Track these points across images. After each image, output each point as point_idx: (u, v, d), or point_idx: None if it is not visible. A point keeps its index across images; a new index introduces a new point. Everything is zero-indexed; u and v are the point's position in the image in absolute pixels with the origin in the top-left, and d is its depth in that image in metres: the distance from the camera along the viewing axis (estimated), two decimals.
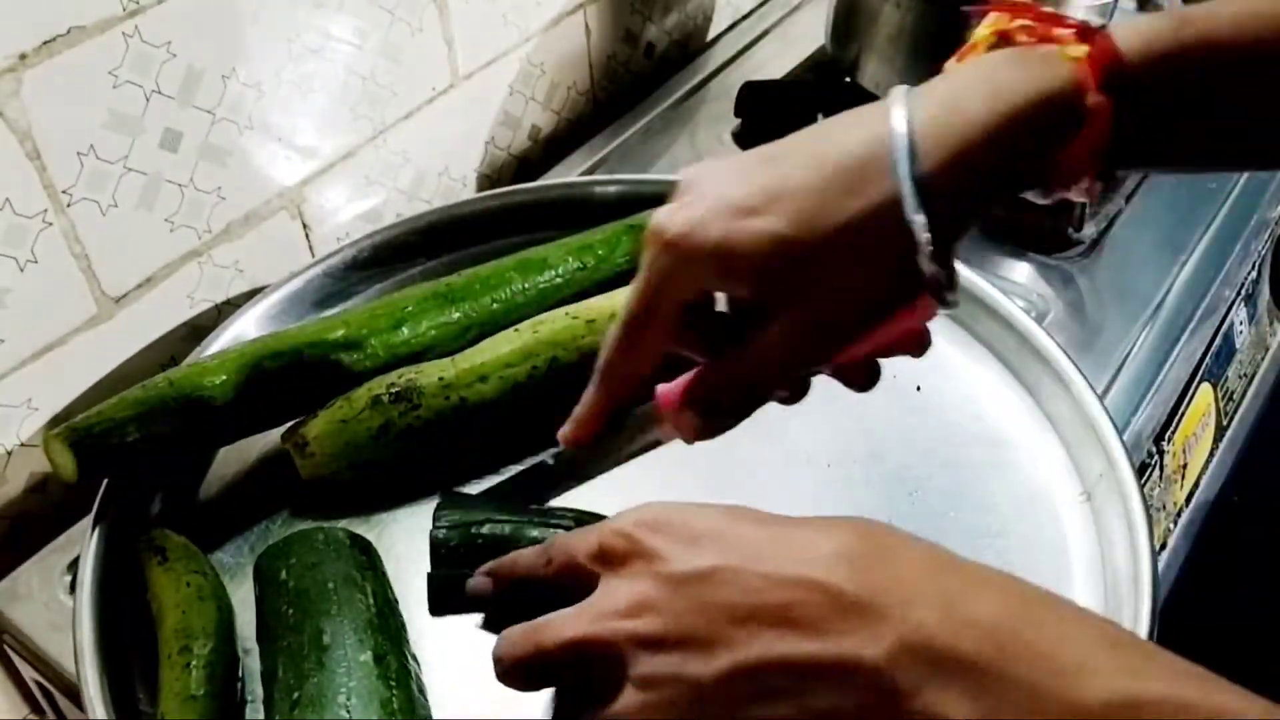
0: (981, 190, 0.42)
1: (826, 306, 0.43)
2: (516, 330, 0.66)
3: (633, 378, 0.47)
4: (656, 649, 0.36)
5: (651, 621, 0.36)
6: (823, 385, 0.48)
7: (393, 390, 0.61)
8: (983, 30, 0.45)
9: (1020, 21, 0.43)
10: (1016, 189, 0.43)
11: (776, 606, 0.35)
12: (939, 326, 0.71)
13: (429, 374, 0.62)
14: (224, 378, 0.60)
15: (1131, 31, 0.41)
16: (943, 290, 0.41)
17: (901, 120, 0.40)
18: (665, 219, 0.43)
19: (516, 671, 0.40)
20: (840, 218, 0.41)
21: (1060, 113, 0.41)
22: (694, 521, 0.39)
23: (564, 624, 0.39)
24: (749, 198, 0.42)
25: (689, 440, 0.48)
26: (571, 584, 0.40)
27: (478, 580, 0.45)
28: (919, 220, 0.40)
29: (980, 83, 0.41)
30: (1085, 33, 0.41)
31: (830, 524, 0.39)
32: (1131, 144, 0.42)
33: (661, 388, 0.48)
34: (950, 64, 0.45)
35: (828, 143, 0.42)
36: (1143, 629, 0.51)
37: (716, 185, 0.43)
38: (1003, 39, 0.44)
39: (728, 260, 0.42)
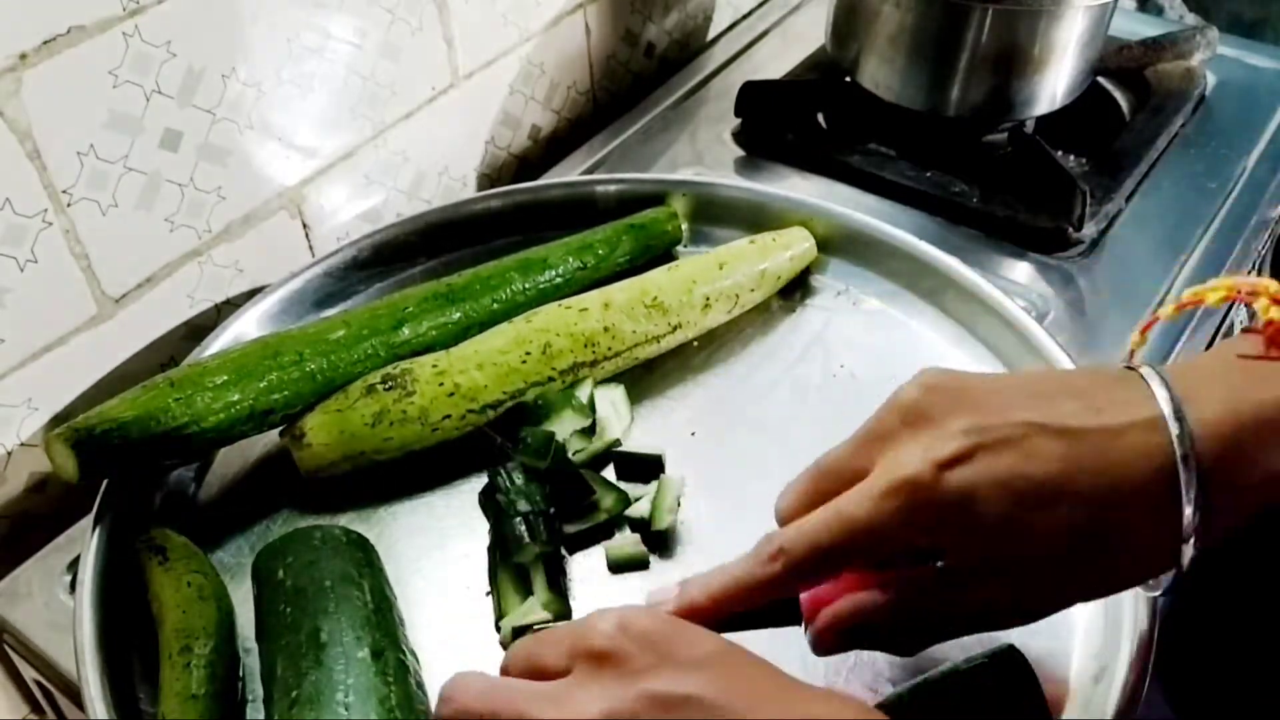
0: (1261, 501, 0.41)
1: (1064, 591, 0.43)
2: (510, 323, 0.66)
3: (804, 586, 0.45)
4: None
5: None
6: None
7: (387, 378, 0.61)
8: (1214, 291, 0.45)
9: (1262, 299, 0.43)
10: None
11: None
12: (940, 326, 0.71)
13: (423, 364, 0.63)
14: (224, 378, 0.60)
15: None
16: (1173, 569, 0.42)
17: (1179, 442, 0.40)
18: (930, 473, 0.41)
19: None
20: (1121, 537, 0.41)
21: None
22: (689, 647, 0.39)
23: (530, 704, 0.39)
24: (1032, 490, 0.40)
25: (816, 650, 0.46)
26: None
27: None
28: (1191, 522, 0.40)
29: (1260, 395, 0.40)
30: None
31: (838, 702, 0.39)
32: None
33: (807, 594, 0.45)
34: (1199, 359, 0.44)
35: (1108, 451, 0.41)
36: (1143, 628, 0.51)
37: (986, 449, 0.41)
38: (1239, 302, 0.44)
39: (1000, 543, 0.41)
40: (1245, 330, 0.43)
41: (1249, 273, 0.85)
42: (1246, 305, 0.44)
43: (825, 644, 0.45)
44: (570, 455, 0.61)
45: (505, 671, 0.43)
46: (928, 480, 0.41)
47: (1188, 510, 0.40)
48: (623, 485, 0.61)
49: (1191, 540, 0.40)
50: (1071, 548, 0.41)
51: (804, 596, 0.45)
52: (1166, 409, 0.40)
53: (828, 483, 0.44)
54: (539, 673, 0.41)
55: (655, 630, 0.39)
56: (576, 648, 0.40)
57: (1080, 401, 0.42)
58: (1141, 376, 0.42)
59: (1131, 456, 0.40)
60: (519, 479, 0.58)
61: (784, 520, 0.45)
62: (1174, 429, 0.40)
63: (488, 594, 0.57)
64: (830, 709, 0.38)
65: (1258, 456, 0.40)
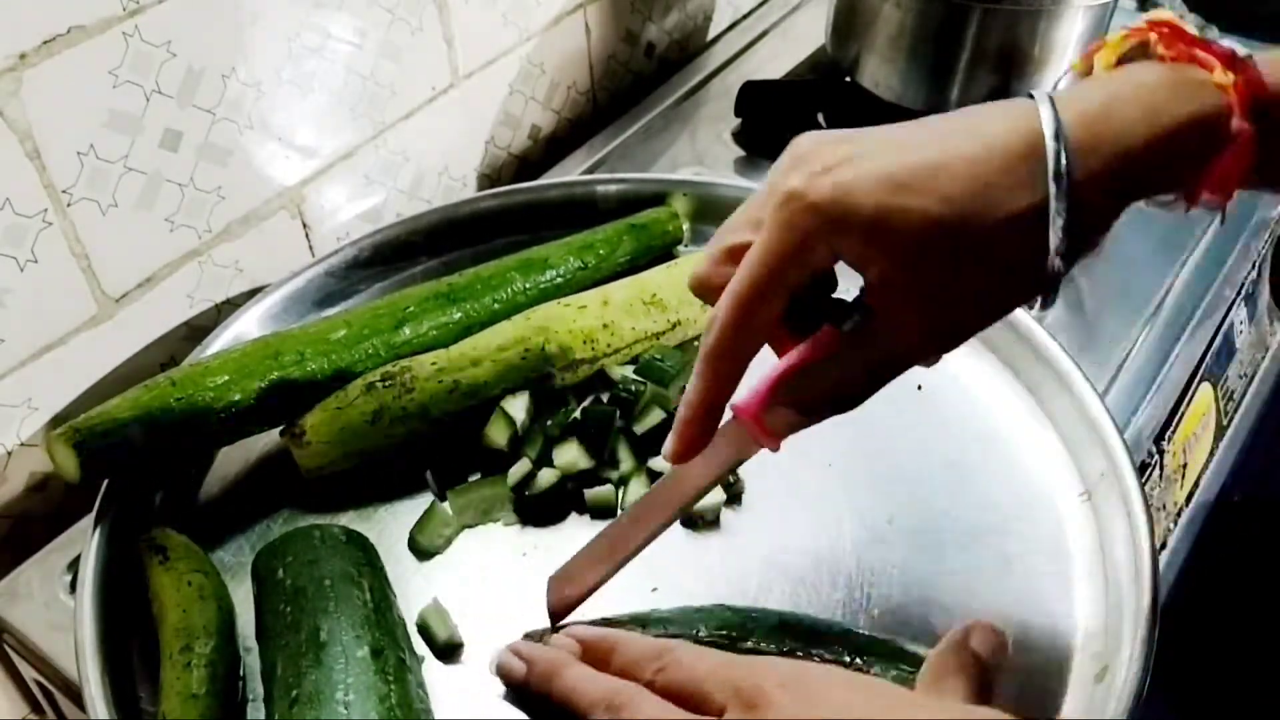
0: (1124, 201, 0.43)
1: (961, 299, 0.43)
2: (510, 321, 0.66)
3: (742, 360, 0.45)
4: None
5: None
6: None
7: (386, 376, 0.61)
8: (1118, 35, 0.45)
9: (1159, 36, 0.43)
10: (1153, 201, 0.45)
11: None
12: None
13: (423, 361, 0.63)
14: (225, 378, 0.60)
15: (1273, 63, 0.42)
16: (1053, 293, 0.42)
17: (1050, 123, 0.41)
18: (805, 182, 0.42)
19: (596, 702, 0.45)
20: (995, 214, 0.41)
21: (1209, 136, 0.41)
22: (834, 698, 0.41)
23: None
24: (906, 174, 0.41)
25: (776, 445, 0.47)
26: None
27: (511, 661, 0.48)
28: (1059, 223, 0.40)
29: (1135, 98, 0.41)
30: (1232, 61, 0.42)
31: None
32: (1267, 168, 0.43)
33: (736, 401, 0.46)
34: (1084, 63, 0.45)
35: (981, 135, 0.42)
36: (1143, 628, 0.51)
37: (863, 156, 0.42)
38: (1140, 48, 0.44)
39: (877, 234, 0.41)
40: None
41: (1249, 272, 0.85)
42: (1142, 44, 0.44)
43: (777, 424, 0.46)
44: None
45: (658, 683, 0.45)
46: (803, 187, 0.41)
47: (1054, 187, 0.40)
48: None
49: (1060, 224, 0.40)
50: (947, 232, 0.41)
51: (736, 405, 0.46)
52: (1041, 101, 0.41)
53: (731, 233, 0.46)
54: (695, 695, 0.43)
55: (807, 679, 0.42)
56: (730, 687, 0.42)
57: (959, 119, 0.43)
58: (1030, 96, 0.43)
59: (1002, 130, 0.41)
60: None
61: (696, 282, 0.47)
62: (1044, 110, 0.41)
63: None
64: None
65: (1114, 133, 0.41)
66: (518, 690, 0.51)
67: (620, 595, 0.54)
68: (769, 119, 0.92)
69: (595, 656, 0.48)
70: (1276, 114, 0.42)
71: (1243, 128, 0.41)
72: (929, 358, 0.47)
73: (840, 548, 0.59)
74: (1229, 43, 0.43)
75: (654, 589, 0.56)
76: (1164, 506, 0.79)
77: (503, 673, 0.51)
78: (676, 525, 0.59)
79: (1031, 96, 0.42)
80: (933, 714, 0.41)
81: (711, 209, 0.78)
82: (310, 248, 0.79)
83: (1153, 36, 0.43)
